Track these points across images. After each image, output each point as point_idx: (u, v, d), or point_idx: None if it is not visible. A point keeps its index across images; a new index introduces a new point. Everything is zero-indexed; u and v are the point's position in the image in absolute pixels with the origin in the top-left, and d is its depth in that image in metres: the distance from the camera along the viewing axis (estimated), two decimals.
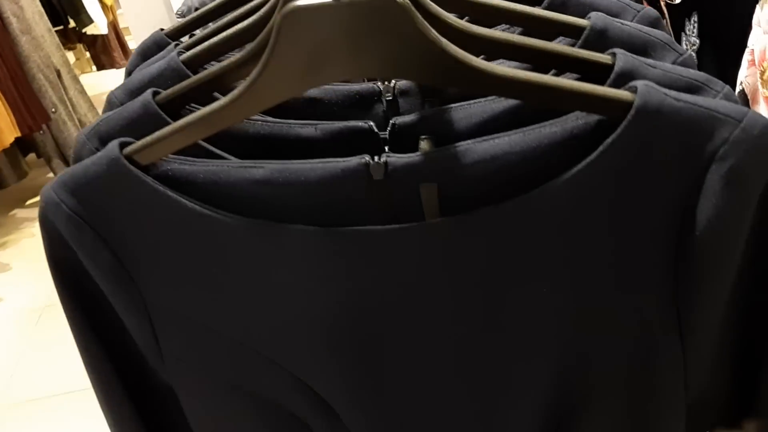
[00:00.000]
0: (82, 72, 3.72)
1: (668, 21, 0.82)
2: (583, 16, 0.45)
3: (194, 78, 0.44)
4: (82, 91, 2.66)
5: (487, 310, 0.40)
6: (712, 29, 0.81)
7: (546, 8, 0.48)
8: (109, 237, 0.42)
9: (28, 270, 2.27)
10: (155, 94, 0.45)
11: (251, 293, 0.42)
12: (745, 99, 0.75)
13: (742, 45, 0.71)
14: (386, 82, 0.50)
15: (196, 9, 0.72)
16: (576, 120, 0.37)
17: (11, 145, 2.32)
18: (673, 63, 0.43)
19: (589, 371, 0.41)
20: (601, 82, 0.39)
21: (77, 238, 0.42)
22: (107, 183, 0.40)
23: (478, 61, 0.35)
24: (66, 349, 1.71)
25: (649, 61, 0.40)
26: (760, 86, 0.68)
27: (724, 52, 0.81)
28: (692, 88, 0.38)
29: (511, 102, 0.42)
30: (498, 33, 0.40)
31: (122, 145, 0.40)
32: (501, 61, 0.45)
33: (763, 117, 0.35)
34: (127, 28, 3.05)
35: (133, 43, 2.65)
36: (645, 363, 0.41)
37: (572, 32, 0.45)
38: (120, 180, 0.40)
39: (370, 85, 0.50)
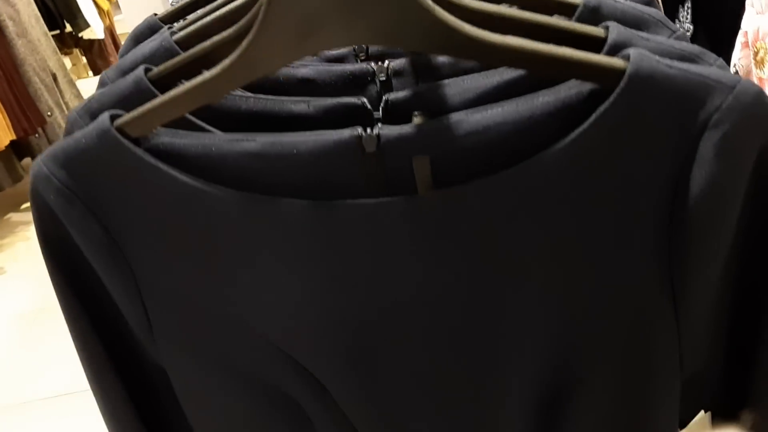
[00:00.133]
0: (79, 77, 3.72)
1: (662, 8, 0.82)
2: None
3: (186, 54, 0.44)
4: (78, 95, 2.66)
5: (481, 282, 0.39)
6: (705, 15, 0.81)
7: None
8: (99, 211, 0.41)
9: (22, 274, 2.26)
10: (147, 70, 0.44)
11: (242, 268, 0.42)
12: None
13: (735, 31, 0.71)
14: (380, 63, 0.50)
15: None
16: (569, 89, 0.37)
17: (6, 148, 2.32)
18: None
19: (584, 345, 0.41)
20: None
21: (67, 212, 0.41)
22: (98, 155, 0.40)
23: (472, 29, 0.35)
24: (59, 354, 1.72)
25: (643, 34, 0.40)
26: (753, 67, 0.68)
27: (717, 39, 0.82)
28: (685, 59, 0.38)
29: (504, 76, 0.42)
30: (490, 5, 0.40)
31: (113, 118, 0.40)
32: None
33: (756, 84, 0.35)
34: (124, 34, 3.05)
35: None
36: (639, 338, 0.40)
37: (565, 10, 0.45)
38: (111, 152, 0.40)
39: (364, 65, 0.50)
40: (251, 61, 0.36)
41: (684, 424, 0.46)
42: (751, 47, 0.67)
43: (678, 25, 0.84)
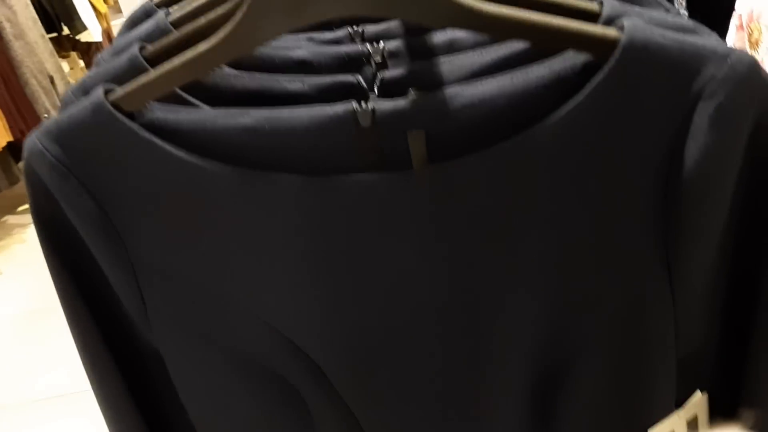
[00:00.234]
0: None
1: None
2: None
3: (182, 31, 0.44)
4: None
5: (477, 256, 0.39)
6: (701, 2, 0.81)
7: None
8: (93, 187, 0.41)
9: (19, 276, 2.25)
10: (142, 48, 0.44)
11: (237, 245, 0.42)
12: None
13: (729, 17, 0.71)
14: (375, 44, 0.50)
15: None
16: (563, 62, 0.37)
17: (3, 149, 2.32)
18: None
19: (580, 321, 0.41)
20: None
21: (61, 188, 0.41)
22: (92, 130, 0.40)
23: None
24: (55, 356, 1.71)
25: (637, 8, 0.40)
26: (748, 49, 0.68)
27: (712, 26, 0.82)
28: (680, 32, 0.38)
29: (499, 53, 0.42)
30: None
31: (107, 92, 0.40)
32: None
33: (750, 55, 0.35)
34: None
35: None
36: (635, 313, 0.40)
37: None
38: (105, 126, 0.40)
39: (359, 47, 0.50)
40: (244, 33, 0.36)
41: (680, 404, 0.46)
42: (745, 28, 0.67)
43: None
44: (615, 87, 0.36)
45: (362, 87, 0.43)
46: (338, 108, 0.39)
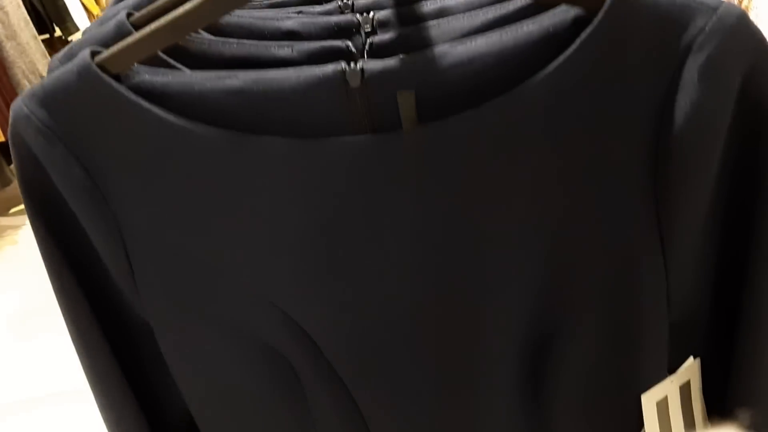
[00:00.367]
0: None
1: None
2: None
3: None
4: None
5: (469, 217, 0.39)
6: None
7: None
8: (80, 152, 0.41)
9: (10, 277, 2.24)
10: (129, 15, 0.44)
11: (226, 211, 0.41)
12: None
13: None
14: (365, 14, 0.50)
15: None
16: (553, 17, 0.37)
17: None
18: None
19: (571, 284, 0.40)
20: None
21: (48, 154, 0.41)
22: (78, 92, 0.39)
23: None
24: (48, 356, 1.69)
25: None
26: None
27: None
28: None
29: (489, 15, 0.42)
30: None
31: (93, 54, 0.40)
32: None
33: (739, 7, 0.35)
34: None
35: None
36: (626, 274, 0.40)
37: None
38: (91, 89, 0.39)
39: (349, 16, 0.50)
40: None
41: (673, 371, 0.46)
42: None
43: None
44: (605, 41, 0.35)
45: (352, 52, 0.43)
46: (327, 68, 0.38)
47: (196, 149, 0.40)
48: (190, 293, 0.44)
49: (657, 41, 0.35)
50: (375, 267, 0.41)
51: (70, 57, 0.44)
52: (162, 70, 0.40)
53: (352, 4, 0.53)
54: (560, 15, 0.37)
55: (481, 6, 0.43)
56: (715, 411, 0.48)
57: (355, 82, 0.38)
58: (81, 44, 0.44)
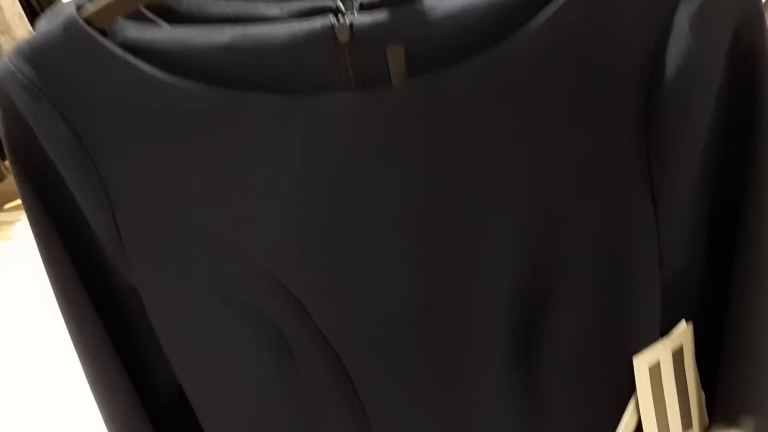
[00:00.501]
0: None
1: None
2: None
3: None
4: None
5: (460, 172, 0.39)
6: None
7: None
8: (67, 110, 0.40)
9: (5, 274, 2.22)
10: None
11: (215, 170, 0.41)
12: None
13: None
14: None
15: None
16: None
17: None
18: None
19: (562, 242, 0.40)
20: None
21: (34, 112, 0.40)
22: (65, 48, 0.39)
23: None
24: (42, 355, 1.68)
25: None
26: None
27: None
28: None
29: None
30: None
31: (80, 9, 0.39)
32: None
33: None
34: None
35: None
36: (617, 230, 0.40)
37: None
38: (78, 44, 0.39)
39: None
40: None
41: (665, 334, 0.45)
42: None
43: None
44: None
45: (341, 10, 0.43)
46: (316, 23, 0.38)
47: (183, 106, 0.39)
48: (176, 255, 0.44)
49: None
50: (364, 224, 0.40)
51: (57, 16, 0.44)
52: (149, 26, 0.40)
53: None
54: None
55: None
56: (707, 379, 0.48)
57: (344, 37, 0.38)
58: (68, 4, 0.44)
